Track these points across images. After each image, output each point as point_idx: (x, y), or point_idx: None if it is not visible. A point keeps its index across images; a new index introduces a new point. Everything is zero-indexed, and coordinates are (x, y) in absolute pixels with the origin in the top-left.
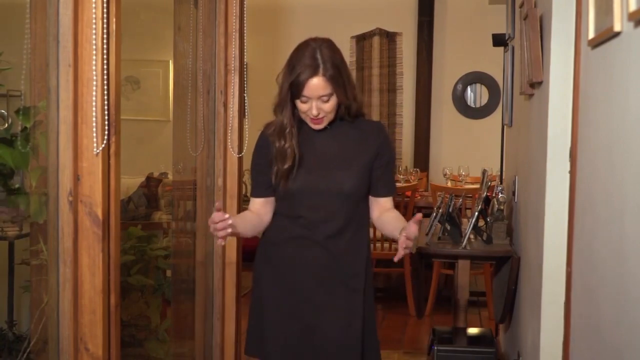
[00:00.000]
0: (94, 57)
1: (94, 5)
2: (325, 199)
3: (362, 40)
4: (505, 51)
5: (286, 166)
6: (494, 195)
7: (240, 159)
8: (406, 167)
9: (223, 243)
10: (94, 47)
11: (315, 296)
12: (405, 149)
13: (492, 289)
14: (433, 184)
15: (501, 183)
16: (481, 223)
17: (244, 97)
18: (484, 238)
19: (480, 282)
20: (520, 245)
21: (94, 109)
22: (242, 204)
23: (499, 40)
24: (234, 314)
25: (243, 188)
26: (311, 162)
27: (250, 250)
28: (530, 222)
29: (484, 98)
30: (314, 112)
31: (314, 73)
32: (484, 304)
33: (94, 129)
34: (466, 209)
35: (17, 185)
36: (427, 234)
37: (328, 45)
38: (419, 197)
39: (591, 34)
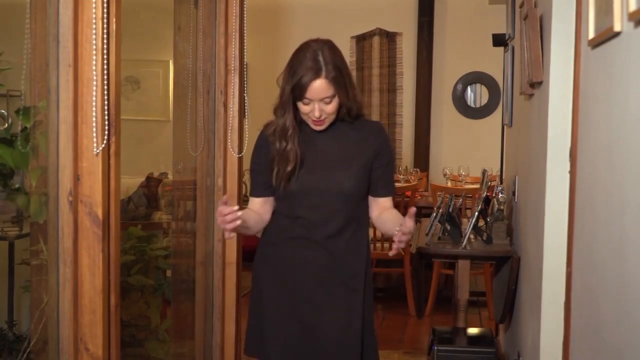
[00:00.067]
0: (94, 57)
1: (94, 5)
2: (325, 199)
3: (362, 40)
4: (505, 51)
5: (289, 168)
6: (494, 195)
7: (240, 159)
8: (406, 167)
9: (232, 236)
10: (94, 47)
11: (315, 296)
12: (405, 149)
13: (492, 289)
14: (433, 184)
15: (501, 183)
16: (481, 223)
17: (244, 97)
18: (484, 238)
19: (480, 282)
20: (520, 245)
21: (94, 109)
22: (242, 204)
23: (499, 40)
24: (234, 314)
25: (243, 188)
26: (311, 162)
27: (250, 250)
28: (530, 222)
29: (484, 98)
30: (317, 114)
31: (317, 75)
32: (484, 304)
33: (94, 129)
34: (466, 209)
35: (17, 185)
36: (427, 234)
37: (329, 46)
38: (419, 197)
39: (591, 34)
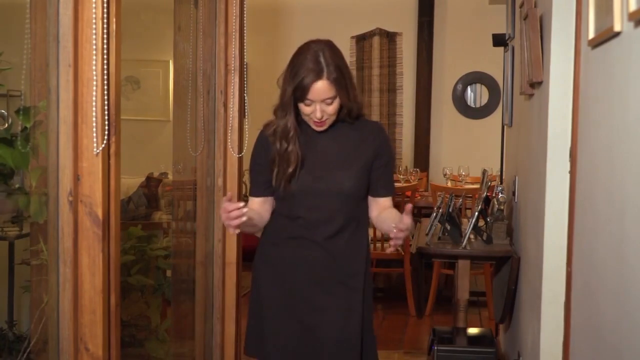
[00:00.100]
0: (94, 57)
1: (94, 5)
2: (325, 199)
3: (362, 40)
4: (505, 51)
5: (290, 170)
6: (494, 195)
7: (240, 159)
8: (406, 167)
9: (237, 231)
10: (94, 47)
11: (315, 296)
12: (405, 149)
13: (492, 289)
14: (433, 184)
15: (501, 183)
16: (481, 223)
17: (244, 97)
18: (484, 238)
19: (480, 282)
20: (520, 245)
21: (94, 109)
22: None
23: (499, 40)
24: (234, 314)
25: (243, 188)
26: (312, 163)
27: (250, 250)
28: (530, 222)
29: (484, 98)
30: (318, 115)
31: (318, 76)
32: (484, 304)
33: (94, 129)
34: (466, 209)
35: (17, 185)
36: (427, 234)
37: (330, 47)
38: (419, 197)
39: (591, 34)
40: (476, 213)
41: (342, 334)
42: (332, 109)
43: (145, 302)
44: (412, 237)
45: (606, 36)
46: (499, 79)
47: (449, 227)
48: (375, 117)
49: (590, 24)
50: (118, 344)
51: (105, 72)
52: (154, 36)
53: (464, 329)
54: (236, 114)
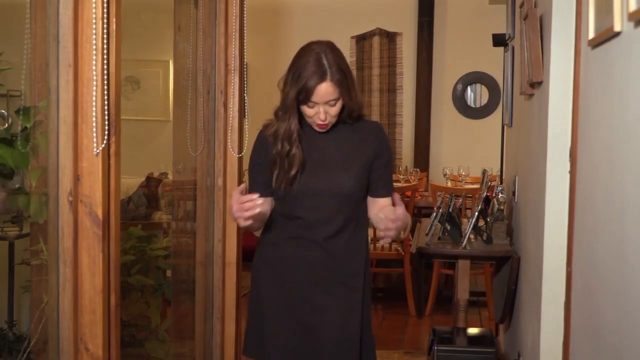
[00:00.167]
0: (94, 57)
1: (94, 5)
2: (325, 199)
3: (362, 40)
4: (505, 51)
5: (293, 172)
6: (494, 195)
7: (240, 159)
8: (406, 167)
9: (248, 223)
10: (94, 47)
11: (315, 296)
12: (405, 149)
13: (492, 289)
14: (433, 184)
15: (501, 183)
16: (481, 223)
17: (244, 97)
18: (484, 238)
19: (480, 282)
20: (520, 245)
21: (94, 109)
22: None
23: (499, 40)
24: (234, 314)
25: None
26: (312, 163)
27: (250, 250)
28: (530, 222)
29: (484, 98)
30: (322, 117)
31: (322, 79)
32: (484, 304)
33: (94, 129)
34: (466, 209)
35: (17, 185)
36: (427, 234)
37: (331, 48)
38: (419, 197)
39: (591, 34)
40: (476, 213)
41: (342, 334)
42: (335, 110)
43: (145, 302)
44: (411, 234)
45: (606, 36)
46: (499, 79)
47: (449, 227)
48: (375, 117)
49: (590, 24)
50: (118, 344)
51: (105, 72)
52: (154, 36)
53: (464, 329)
54: (236, 114)
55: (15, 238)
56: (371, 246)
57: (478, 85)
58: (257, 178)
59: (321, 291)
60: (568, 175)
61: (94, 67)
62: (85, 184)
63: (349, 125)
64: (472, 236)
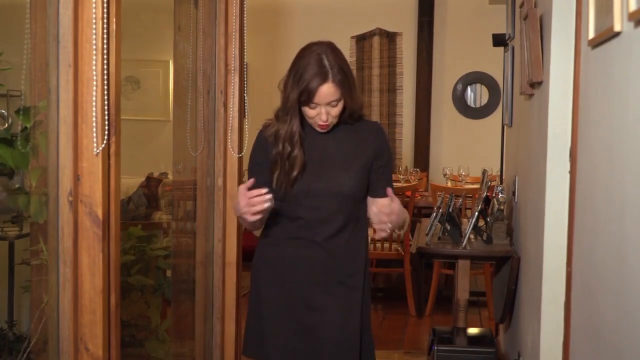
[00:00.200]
0: (94, 57)
1: (94, 5)
2: (325, 200)
3: (362, 40)
4: (505, 51)
5: (294, 174)
6: (494, 195)
7: (240, 159)
8: (406, 167)
9: (256, 218)
10: (94, 47)
11: (315, 296)
12: (405, 149)
13: (492, 289)
14: (433, 184)
15: (501, 183)
16: (481, 223)
17: (244, 97)
18: (484, 238)
19: (480, 282)
20: (520, 245)
21: (94, 109)
22: None
23: (499, 40)
24: (234, 314)
25: None
26: (312, 164)
27: (250, 250)
28: (530, 222)
29: (484, 98)
30: (324, 117)
31: (324, 80)
32: (484, 304)
33: (94, 129)
34: (466, 209)
35: (17, 185)
36: (427, 234)
37: (332, 49)
38: (419, 197)
39: (591, 34)
40: (476, 213)
41: (342, 334)
42: (336, 111)
43: (145, 302)
44: (412, 237)
45: (606, 36)
46: (499, 79)
47: (449, 227)
48: (375, 117)
49: (590, 24)
50: (118, 344)
51: (105, 72)
52: (154, 36)
53: (464, 329)
54: (236, 114)
55: (15, 238)
56: (371, 246)
57: (478, 85)
58: (257, 178)
59: (321, 291)
60: (568, 175)
61: (94, 67)
62: (85, 184)
63: (349, 126)
64: (472, 236)
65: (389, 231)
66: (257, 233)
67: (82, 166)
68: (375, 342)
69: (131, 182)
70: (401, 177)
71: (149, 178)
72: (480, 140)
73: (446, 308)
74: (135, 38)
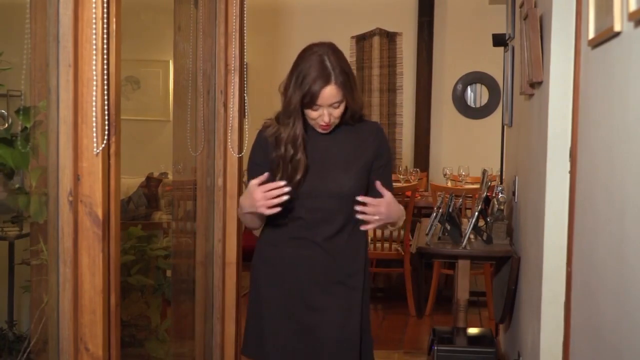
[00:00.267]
0: (94, 57)
1: (94, 5)
2: (325, 200)
3: (362, 40)
4: (505, 51)
5: (298, 177)
6: (494, 195)
7: (240, 159)
8: (406, 167)
9: (273, 212)
10: (94, 47)
11: (315, 296)
12: (405, 149)
13: (492, 289)
14: (433, 184)
15: (501, 183)
16: (481, 223)
17: (244, 97)
18: (484, 238)
19: (480, 282)
20: (520, 245)
21: (94, 109)
22: None
23: (499, 40)
24: (234, 314)
25: (243, 188)
26: (313, 165)
27: (250, 250)
28: (530, 222)
29: (484, 98)
30: (326, 119)
31: (327, 82)
32: (484, 304)
33: (94, 129)
34: (466, 209)
35: (17, 185)
36: (427, 234)
37: (333, 50)
38: (419, 197)
39: (591, 34)
40: (476, 213)
41: (342, 334)
42: (338, 112)
43: (145, 302)
44: (412, 237)
45: (606, 36)
46: (499, 79)
47: (449, 227)
48: (375, 117)
49: (590, 24)
50: (118, 344)
51: (105, 72)
52: (154, 36)
53: (464, 329)
54: (236, 114)
55: (15, 238)
56: (371, 246)
57: (478, 85)
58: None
59: (321, 291)
60: (568, 175)
61: (94, 67)
62: (85, 184)
63: (350, 126)
64: (472, 236)
65: (376, 223)
66: (257, 233)
67: (82, 166)
68: (375, 342)
69: (131, 182)
70: (401, 177)
71: (149, 178)
72: (480, 140)
73: (446, 308)
74: (135, 38)
